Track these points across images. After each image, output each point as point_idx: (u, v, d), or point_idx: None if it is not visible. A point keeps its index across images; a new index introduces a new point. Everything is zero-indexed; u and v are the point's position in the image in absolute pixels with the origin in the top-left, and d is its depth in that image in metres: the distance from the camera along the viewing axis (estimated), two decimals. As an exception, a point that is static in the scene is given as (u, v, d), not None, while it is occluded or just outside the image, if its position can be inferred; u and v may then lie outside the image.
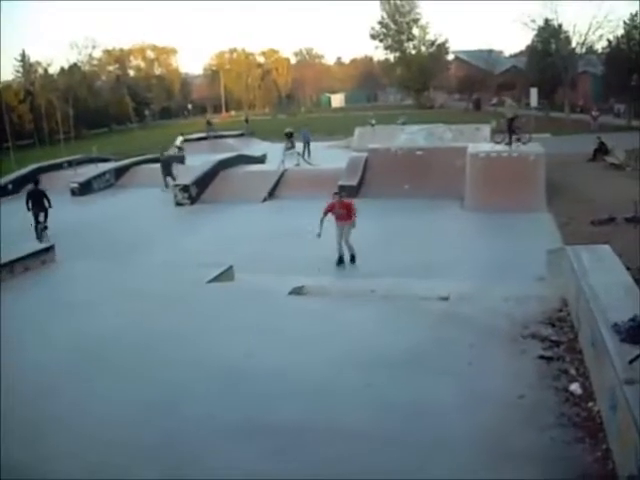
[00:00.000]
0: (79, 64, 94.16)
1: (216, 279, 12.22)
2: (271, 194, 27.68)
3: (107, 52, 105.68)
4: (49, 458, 6.21)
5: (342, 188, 26.32)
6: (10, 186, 32.99)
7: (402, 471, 5.69)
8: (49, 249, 14.11)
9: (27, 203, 21.34)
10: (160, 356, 8.54)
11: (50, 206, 21.46)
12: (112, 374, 8.04)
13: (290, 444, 6.20)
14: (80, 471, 5.95)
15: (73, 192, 30.98)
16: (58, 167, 35.95)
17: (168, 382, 7.69)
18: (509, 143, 26.80)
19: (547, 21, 65.96)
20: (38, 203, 21.27)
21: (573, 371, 7.28)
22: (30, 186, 22.96)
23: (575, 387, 6.86)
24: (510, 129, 27.39)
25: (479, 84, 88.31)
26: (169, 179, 30.63)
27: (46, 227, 20.95)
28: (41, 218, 21.17)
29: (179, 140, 44.48)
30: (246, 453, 6.08)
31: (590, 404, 6.47)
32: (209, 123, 59.57)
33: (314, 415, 6.75)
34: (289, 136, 41.45)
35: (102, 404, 7.25)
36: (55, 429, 6.75)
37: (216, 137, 51.37)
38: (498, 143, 27.76)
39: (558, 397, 6.72)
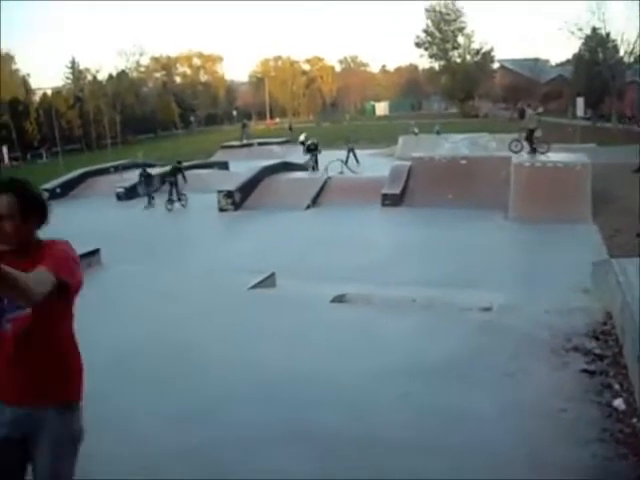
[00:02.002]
0: (127, 71, 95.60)
1: (258, 286, 12.29)
2: (314, 201, 27.77)
3: (154, 59, 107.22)
4: (90, 457, 6.31)
5: (385, 196, 26.43)
6: (58, 190, 33.71)
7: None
8: (95, 252, 14.34)
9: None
10: (199, 362, 8.61)
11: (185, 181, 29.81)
12: (152, 379, 8.13)
13: (329, 451, 6.21)
14: (119, 475, 6.05)
15: (119, 196, 31.46)
16: (105, 172, 36.62)
17: (208, 388, 7.74)
18: (532, 152, 27.69)
19: (594, 29, 65.21)
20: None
21: (617, 386, 7.18)
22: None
23: (619, 402, 6.77)
24: (531, 139, 28.15)
25: (524, 93, 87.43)
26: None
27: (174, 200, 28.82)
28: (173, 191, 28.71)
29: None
30: (285, 459, 6.11)
31: (634, 420, 6.37)
32: (245, 125, 60.17)
33: (353, 423, 6.75)
34: (310, 149, 36.11)
35: (140, 408, 7.35)
36: (93, 432, 6.85)
37: (260, 144, 51.70)
38: (515, 152, 28.27)
39: (601, 412, 6.63)
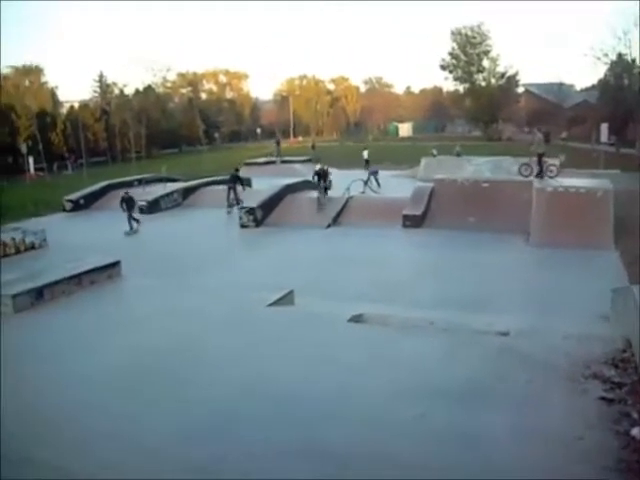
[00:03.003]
0: (153, 86, 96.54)
1: (276, 303, 12.35)
2: (335, 220, 27.82)
3: (181, 75, 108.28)
4: (100, 470, 6.38)
5: (406, 217, 26.42)
6: (82, 201, 34.06)
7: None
8: (115, 264, 14.51)
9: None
10: (216, 377, 8.67)
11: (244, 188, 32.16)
12: (168, 390, 8.21)
13: (344, 469, 6.23)
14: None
15: (141, 210, 31.63)
16: (128, 185, 36.77)
17: (223, 403, 7.79)
18: (540, 176, 28.10)
19: (620, 55, 65.03)
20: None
21: (635, 415, 7.12)
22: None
23: (637, 432, 6.71)
24: (540, 163, 28.59)
25: (549, 117, 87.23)
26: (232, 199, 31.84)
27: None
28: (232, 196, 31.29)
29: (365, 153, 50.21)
30: (301, 475, 6.14)
31: (651, 450, 6.32)
32: (278, 142, 60.85)
33: (368, 442, 6.76)
34: (320, 176, 30.13)
35: (156, 419, 7.41)
36: (106, 443, 6.91)
37: (283, 162, 51.93)
38: (525, 177, 28.80)
39: (618, 441, 6.58)
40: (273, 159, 53.58)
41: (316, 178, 30.03)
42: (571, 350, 9.18)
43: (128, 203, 27.88)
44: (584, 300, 14.51)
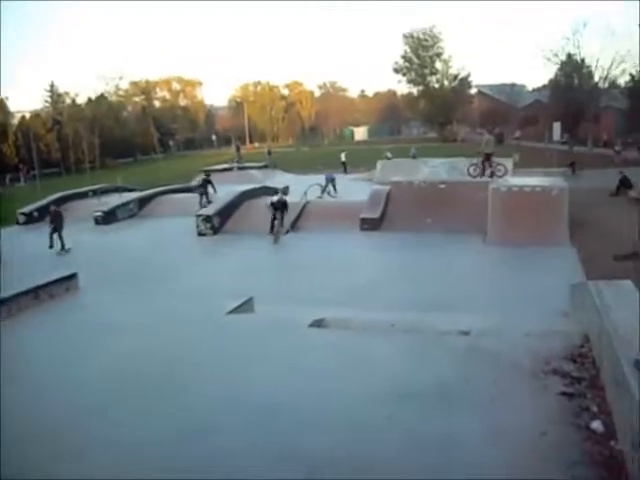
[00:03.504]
0: (106, 95, 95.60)
1: (236, 310, 12.25)
2: (293, 226, 27.79)
3: (134, 83, 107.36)
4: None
5: (364, 221, 26.50)
6: (36, 214, 33.52)
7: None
8: (72, 276, 14.26)
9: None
10: (181, 388, 8.55)
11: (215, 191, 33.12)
12: (132, 405, 8.06)
13: (313, 474, 6.19)
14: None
15: (97, 221, 31.31)
16: (83, 196, 36.46)
17: (189, 413, 7.68)
18: (482, 175, 29.69)
19: (570, 55, 66.19)
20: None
21: (595, 408, 7.20)
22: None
23: (597, 425, 6.79)
24: (484, 164, 29.95)
25: (502, 118, 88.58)
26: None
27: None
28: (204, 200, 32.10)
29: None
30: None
31: (612, 442, 6.39)
32: (238, 148, 60.89)
33: (337, 447, 6.72)
34: (277, 209, 26.31)
35: (125, 434, 7.28)
36: (78, 459, 6.78)
37: (240, 168, 51.82)
38: (474, 177, 30.10)
39: (580, 435, 6.65)
40: (229, 166, 53.39)
41: (272, 210, 26.22)
42: (532, 346, 9.26)
43: (55, 219, 25.55)
44: (543, 296, 14.68)
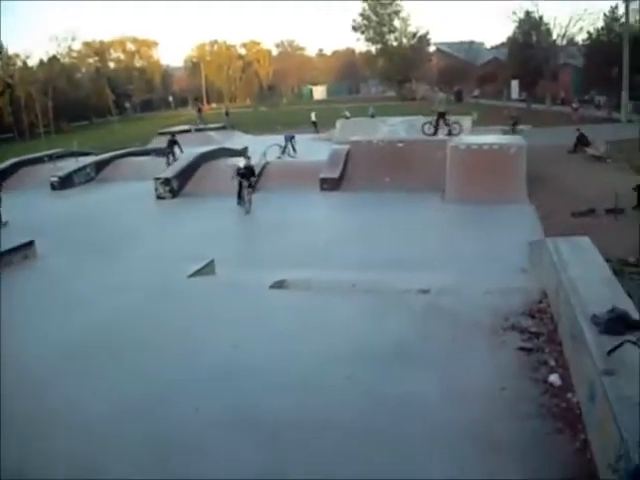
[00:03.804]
0: (58, 56, 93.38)
1: (197, 273, 12.20)
2: (253, 187, 27.54)
3: (87, 44, 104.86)
4: (43, 451, 6.23)
5: (324, 181, 26.42)
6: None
7: (385, 463, 5.73)
8: (29, 244, 14.03)
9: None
10: (145, 350, 8.54)
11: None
12: (97, 368, 8.04)
13: (276, 436, 6.24)
14: (73, 463, 6.03)
15: (53, 186, 30.71)
16: (38, 161, 35.61)
17: (154, 375, 7.70)
18: (435, 134, 29.70)
19: (528, 13, 66.29)
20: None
21: (552, 362, 7.33)
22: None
23: (554, 378, 6.92)
24: (438, 122, 29.95)
25: (460, 76, 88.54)
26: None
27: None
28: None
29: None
30: (233, 445, 6.11)
31: (569, 395, 6.52)
32: (200, 110, 60.00)
33: (298, 407, 6.77)
34: (244, 175, 23.95)
35: (89, 397, 7.25)
36: (47, 423, 6.74)
37: (197, 130, 51.12)
38: (428, 135, 30.02)
39: (538, 388, 6.78)
40: (187, 128, 52.61)
41: (237, 179, 24.00)
42: (491, 304, 9.38)
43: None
44: (502, 254, 14.80)
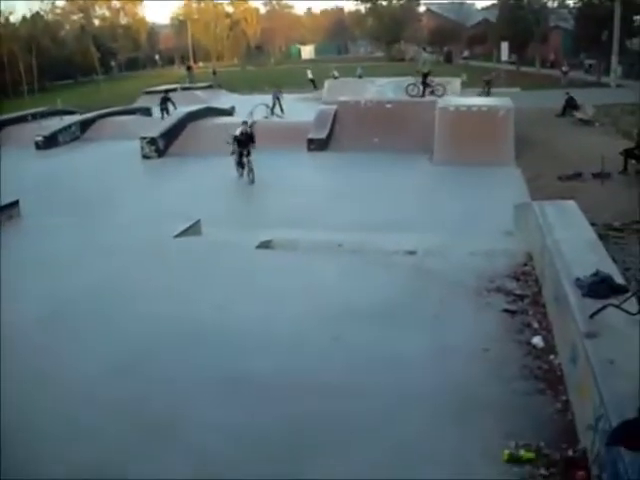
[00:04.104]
0: (42, 13, 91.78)
1: (184, 233, 12.17)
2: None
3: (71, 1, 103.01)
4: (26, 412, 6.26)
5: (311, 141, 26.29)
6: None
7: (369, 422, 5.79)
8: (14, 204, 13.92)
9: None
10: (131, 311, 8.55)
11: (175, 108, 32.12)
12: (84, 327, 8.06)
13: (262, 396, 6.28)
14: (56, 425, 6.06)
15: (38, 145, 30.37)
16: (22, 120, 35.15)
17: (141, 336, 7.73)
18: (422, 95, 29.26)
19: (519, -27, 65.55)
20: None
21: (536, 324, 7.40)
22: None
23: (537, 340, 6.99)
24: (424, 83, 29.60)
25: (450, 37, 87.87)
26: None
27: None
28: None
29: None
30: (218, 405, 6.16)
31: (551, 357, 6.60)
32: (189, 68, 59.45)
33: (284, 367, 6.82)
34: (242, 142, 21.74)
35: (76, 356, 7.28)
36: (31, 384, 6.76)
37: (184, 89, 50.55)
38: (412, 96, 29.74)
39: (521, 350, 6.85)
40: (173, 87, 52.02)
41: (235, 146, 21.91)
42: (477, 265, 9.42)
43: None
44: (488, 216, 14.81)
